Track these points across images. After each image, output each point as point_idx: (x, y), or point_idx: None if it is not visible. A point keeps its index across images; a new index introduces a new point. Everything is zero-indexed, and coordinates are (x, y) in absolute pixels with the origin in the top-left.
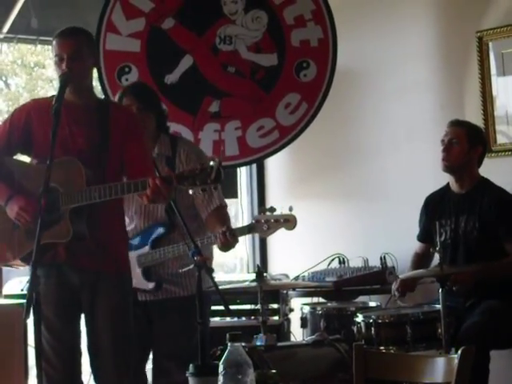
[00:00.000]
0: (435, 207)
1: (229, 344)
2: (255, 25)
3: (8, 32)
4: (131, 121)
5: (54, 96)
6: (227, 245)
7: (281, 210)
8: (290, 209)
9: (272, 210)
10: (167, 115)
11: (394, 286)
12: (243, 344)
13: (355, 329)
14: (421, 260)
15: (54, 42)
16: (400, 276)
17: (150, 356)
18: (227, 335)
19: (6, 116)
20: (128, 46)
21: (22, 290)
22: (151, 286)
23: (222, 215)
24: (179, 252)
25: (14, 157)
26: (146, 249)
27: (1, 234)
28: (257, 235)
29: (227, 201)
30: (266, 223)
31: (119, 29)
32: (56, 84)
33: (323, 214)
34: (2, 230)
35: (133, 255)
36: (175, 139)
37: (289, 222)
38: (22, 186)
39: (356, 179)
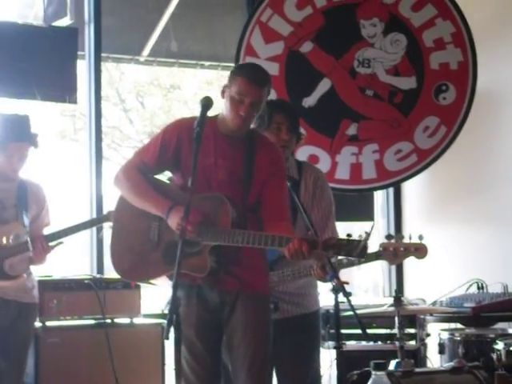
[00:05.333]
0: None
1: (373, 372)
2: (394, 48)
3: (148, 55)
4: (277, 159)
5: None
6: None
7: (409, 237)
8: (420, 237)
9: (400, 237)
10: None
11: None
12: None
13: (495, 356)
14: None
15: (241, 80)
16: None
17: None
18: (371, 363)
19: (142, 135)
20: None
21: (162, 311)
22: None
23: None
24: (299, 275)
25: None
26: None
27: (139, 254)
28: None
29: (362, 224)
30: (394, 251)
31: (258, 52)
32: (193, 105)
33: (461, 239)
34: (141, 250)
35: None
36: (300, 163)
37: (420, 250)
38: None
39: (495, 203)
